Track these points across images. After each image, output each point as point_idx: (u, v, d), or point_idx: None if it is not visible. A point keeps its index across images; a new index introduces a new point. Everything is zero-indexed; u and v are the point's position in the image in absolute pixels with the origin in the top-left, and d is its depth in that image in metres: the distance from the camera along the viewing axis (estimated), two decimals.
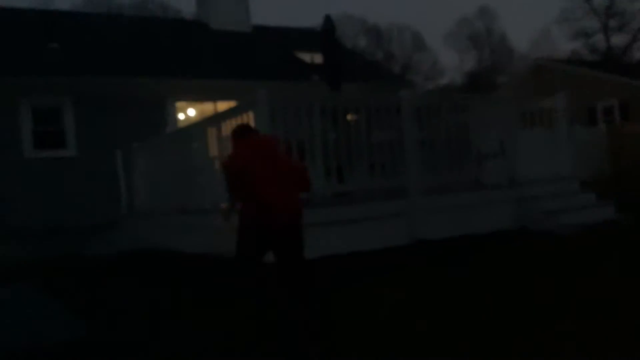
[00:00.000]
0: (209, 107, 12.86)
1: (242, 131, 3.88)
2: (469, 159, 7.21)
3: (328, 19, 8.37)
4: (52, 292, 5.74)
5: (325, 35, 8.50)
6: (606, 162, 14.55)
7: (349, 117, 6.73)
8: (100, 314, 4.48)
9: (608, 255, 5.19)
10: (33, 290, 6.04)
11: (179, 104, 12.86)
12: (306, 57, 15.46)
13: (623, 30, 34.38)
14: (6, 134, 10.78)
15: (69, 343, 3.69)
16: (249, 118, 6.05)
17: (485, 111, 7.60)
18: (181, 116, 13.06)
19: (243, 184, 3.51)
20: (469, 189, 6.91)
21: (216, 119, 6.84)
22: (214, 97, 12.73)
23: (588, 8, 34.49)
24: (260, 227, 3.49)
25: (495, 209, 6.78)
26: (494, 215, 6.70)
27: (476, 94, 7.34)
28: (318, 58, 14.62)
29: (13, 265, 8.45)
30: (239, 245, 3.58)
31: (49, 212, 10.23)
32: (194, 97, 12.98)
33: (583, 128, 16.06)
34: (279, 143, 4.61)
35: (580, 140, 12.12)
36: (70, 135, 11.46)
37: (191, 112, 13.48)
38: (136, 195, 9.79)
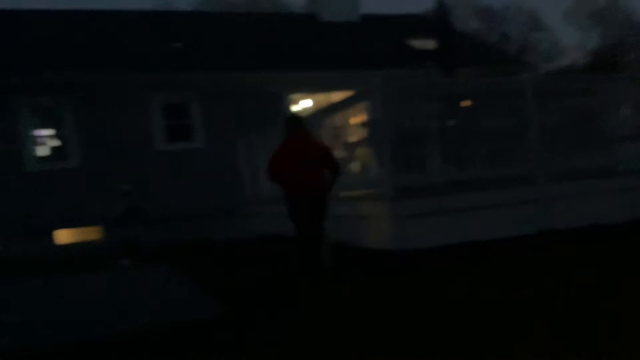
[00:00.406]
0: (322, 98, 13.17)
1: (292, 125, 5.10)
2: (598, 144, 6.77)
3: (441, 4, 8.26)
4: (187, 273, 6.24)
5: (438, 21, 8.39)
6: None
7: (465, 103, 6.59)
8: (233, 294, 4.78)
9: None
10: (170, 272, 6.62)
11: (293, 96, 13.32)
12: (417, 44, 15.24)
13: None
14: (139, 128, 11.81)
15: (206, 321, 3.88)
16: (365, 107, 6.14)
17: (615, 92, 7.08)
18: (295, 108, 13.51)
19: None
20: (601, 175, 6.49)
21: (331, 110, 7.02)
22: (326, 88, 13.00)
23: None
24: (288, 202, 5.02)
25: (631, 197, 6.30)
26: (629, 203, 6.23)
27: (604, 74, 6.82)
28: (429, 44, 14.35)
29: (150, 249, 9.31)
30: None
31: (179, 200, 11.09)
32: (308, 89, 13.35)
33: None
34: (309, 141, 5.16)
35: None
36: (197, 129, 12.32)
37: (305, 103, 13.89)
38: (258, 183, 10.32)
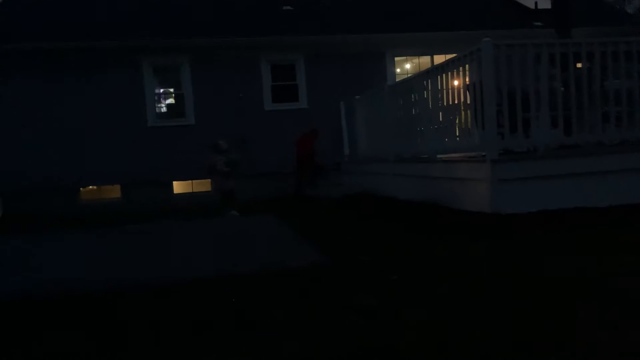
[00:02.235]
0: (426, 61, 13.06)
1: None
2: None
3: None
4: (288, 224, 6.75)
5: None
6: None
7: (579, 64, 6.34)
8: (328, 243, 5.19)
9: None
10: (273, 222, 7.16)
11: (397, 59, 13.33)
12: (528, 2, 14.50)
13: None
14: (251, 88, 12.48)
15: (305, 267, 4.23)
16: (471, 68, 6.12)
17: None
18: (399, 70, 13.52)
19: None
20: None
21: (436, 71, 7.04)
22: (430, 51, 12.87)
23: None
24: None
25: None
26: None
27: None
28: (541, 3, 13.63)
29: (255, 200, 10.00)
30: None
31: (284, 158, 11.69)
32: (412, 52, 13.29)
33: None
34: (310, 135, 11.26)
35: None
36: (302, 90, 12.77)
37: (408, 66, 13.84)
38: (358, 143, 10.62)
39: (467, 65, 6.19)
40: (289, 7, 13.76)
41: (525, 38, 6.15)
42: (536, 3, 14.15)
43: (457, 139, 6.64)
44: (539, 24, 12.81)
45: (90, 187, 12.52)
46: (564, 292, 3.14)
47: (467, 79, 6.28)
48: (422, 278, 3.70)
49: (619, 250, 4.04)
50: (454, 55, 6.45)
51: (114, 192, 12.42)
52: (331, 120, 11.45)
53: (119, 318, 3.24)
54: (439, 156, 6.99)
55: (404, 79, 8.93)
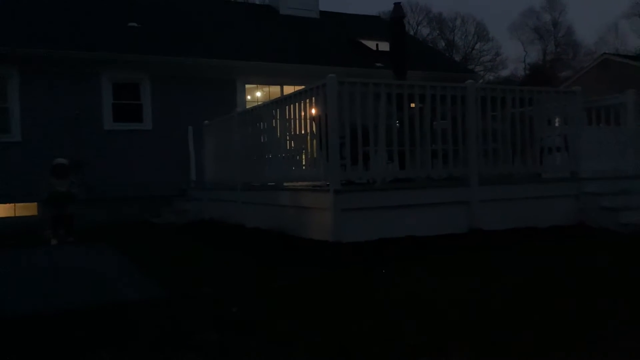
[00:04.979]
0: (276, 90, 13.32)
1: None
2: (531, 152, 7.25)
3: (398, 7, 8.53)
4: (127, 253, 6.31)
5: (394, 23, 8.67)
6: None
7: (412, 104, 6.89)
8: (168, 275, 4.94)
9: None
10: (109, 251, 6.65)
11: (248, 86, 13.40)
12: (371, 44, 15.63)
13: None
14: (89, 106, 11.58)
15: (140, 301, 4.00)
16: (317, 101, 6.34)
17: (549, 105, 7.59)
18: (249, 97, 13.59)
19: None
20: (530, 181, 7.00)
21: (285, 101, 7.18)
22: (281, 81, 13.16)
23: None
24: None
25: (555, 203, 6.84)
26: (553, 209, 6.77)
27: (541, 87, 7.33)
28: (382, 46, 14.77)
29: (92, 227, 9.22)
30: None
31: (125, 181, 10.98)
32: (262, 80, 13.46)
33: None
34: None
35: None
36: (147, 110, 12.18)
37: (259, 94, 14.00)
38: (206, 169, 10.38)
39: (313, 98, 6.39)
40: (134, 24, 13.18)
41: (368, 77, 6.54)
42: (377, 45, 15.31)
43: (304, 168, 6.80)
44: (380, 64, 13.84)
45: None
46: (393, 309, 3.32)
47: (313, 111, 6.49)
48: (260, 309, 3.66)
49: (447, 274, 4.41)
50: (303, 87, 6.64)
51: None
52: (178, 145, 11.08)
53: None
54: (286, 184, 7.09)
55: (253, 107, 8.97)
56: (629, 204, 6.94)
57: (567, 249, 5.50)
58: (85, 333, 3.21)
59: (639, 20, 36.34)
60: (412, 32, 29.98)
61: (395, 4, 8.53)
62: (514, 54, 68.20)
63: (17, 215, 11.17)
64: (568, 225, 6.62)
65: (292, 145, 7.03)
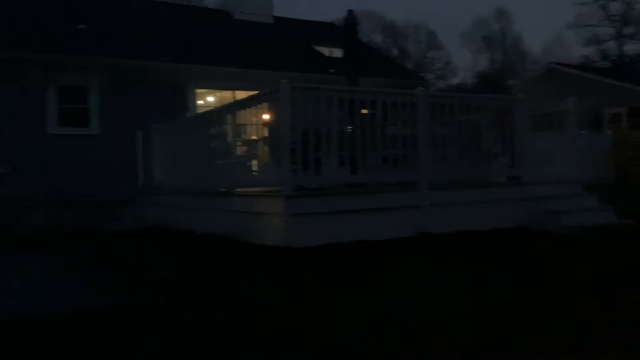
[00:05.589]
0: (228, 95, 13.18)
1: None
2: (478, 157, 7.45)
3: (351, 14, 8.62)
4: (69, 261, 6.09)
5: (347, 30, 8.76)
6: (611, 167, 14.77)
7: (364, 110, 6.97)
8: (112, 283, 4.79)
9: (603, 251, 5.50)
10: (51, 259, 6.39)
11: (199, 91, 13.21)
12: (324, 50, 15.73)
13: (637, 38, 34.61)
14: (33, 110, 11.15)
15: (83, 310, 3.84)
16: (268, 107, 6.33)
17: (496, 111, 7.82)
18: (201, 102, 13.41)
19: None
20: (477, 186, 7.18)
21: (236, 106, 7.13)
22: (233, 86, 13.05)
23: (604, 15, 34.74)
24: None
25: (500, 207, 7.01)
26: (498, 213, 6.94)
27: (488, 95, 7.55)
28: (335, 52, 14.88)
29: (35, 234, 8.84)
30: None
31: (70, 187, 10.60)
32: (214, 85, 13.31)
33: (591, 133, 16.33)
34: None
35: (587, 145, 12.30)
36: (94, 115, 11.83)
37: (211, 99, 13.83)
38: (154, 174, 10.14)
39: (265, 103, 6.37)
40: (83, 27, 12.79)
41: (321, 82, 6.57)
42: (331, 51, 15.42)
43: (256, 173, 6.76)
44: (333, 70, 13.94)
45: None
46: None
47: (266, 117, 6.47)
48: (216, 318, 3.60)
49: (395, 276, 4.46)
50: (256, 92, 6.60)
51: None
52: (127, 150, 10.79)
53: None
54: (238, 190, 7.02)
55: (204, 112, 8.88)
56: (571, 207, 7.22)
57: (504, 251, 5.67)
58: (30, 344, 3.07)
59: (583, 31, 38.16)
60: (365, 40, 30.36)
61: (348, 10, 8.62)
62: (464, 62, 70.25)
63: None
64: (512, 228, 6.81)
65: (244, 150, 6.98)
